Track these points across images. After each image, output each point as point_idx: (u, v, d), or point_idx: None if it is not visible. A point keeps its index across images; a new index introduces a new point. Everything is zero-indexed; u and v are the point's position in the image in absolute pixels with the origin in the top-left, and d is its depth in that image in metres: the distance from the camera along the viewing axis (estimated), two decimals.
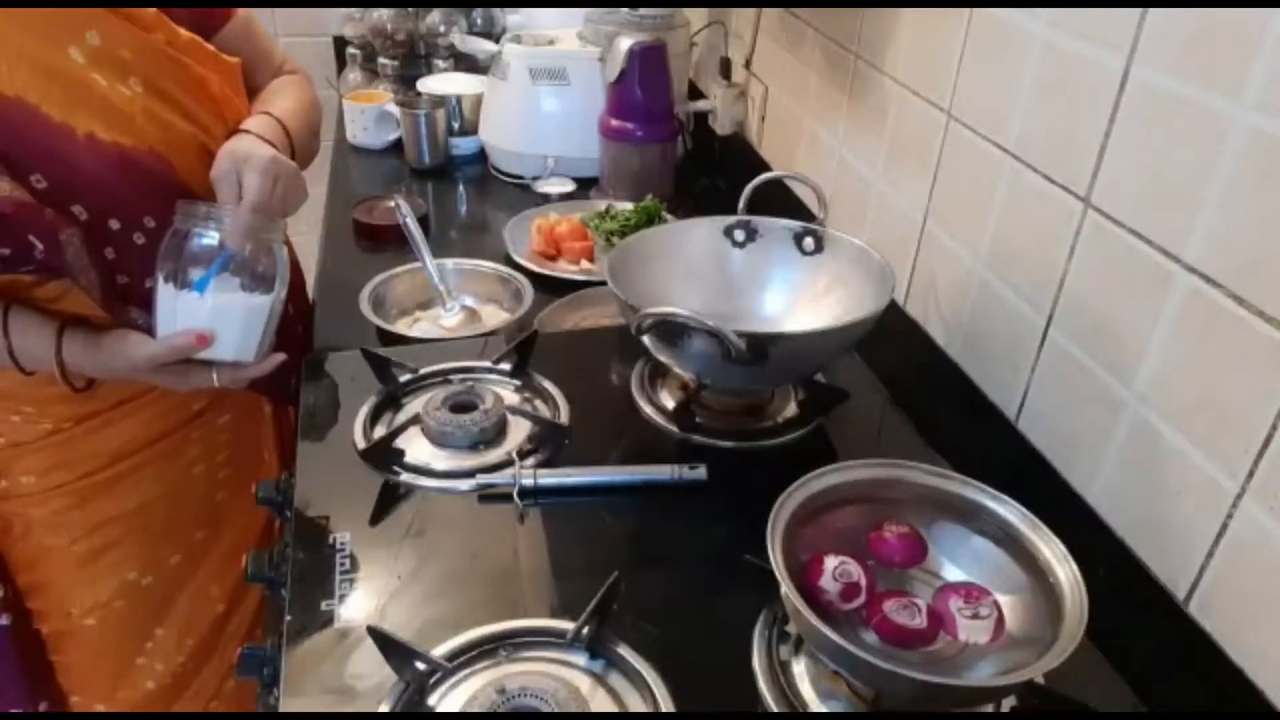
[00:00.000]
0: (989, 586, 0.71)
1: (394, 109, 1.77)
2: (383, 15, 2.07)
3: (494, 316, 1.27)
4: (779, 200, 1.38)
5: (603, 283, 1.02)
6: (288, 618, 0.76)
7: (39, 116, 0.82)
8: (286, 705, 0.70)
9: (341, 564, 0.81)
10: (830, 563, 0.70)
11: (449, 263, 1.32)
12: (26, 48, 0.82)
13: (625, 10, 1.65)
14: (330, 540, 0.84)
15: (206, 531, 1.13)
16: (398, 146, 1.78)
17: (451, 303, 1.26)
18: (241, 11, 1.05)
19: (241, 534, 1.16)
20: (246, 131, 0.94)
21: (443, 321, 1.24)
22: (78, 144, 0.84)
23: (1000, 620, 0.69)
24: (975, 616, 0.68)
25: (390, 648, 0.68)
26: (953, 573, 0.74)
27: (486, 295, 1.31)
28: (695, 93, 1.88)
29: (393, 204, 1.29)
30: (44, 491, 1.01)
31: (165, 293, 0.89)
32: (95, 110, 0.85)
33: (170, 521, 1.09)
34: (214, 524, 1.13)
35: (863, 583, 0.70)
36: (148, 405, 1.03)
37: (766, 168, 1.55)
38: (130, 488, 1.05)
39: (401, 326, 1.22)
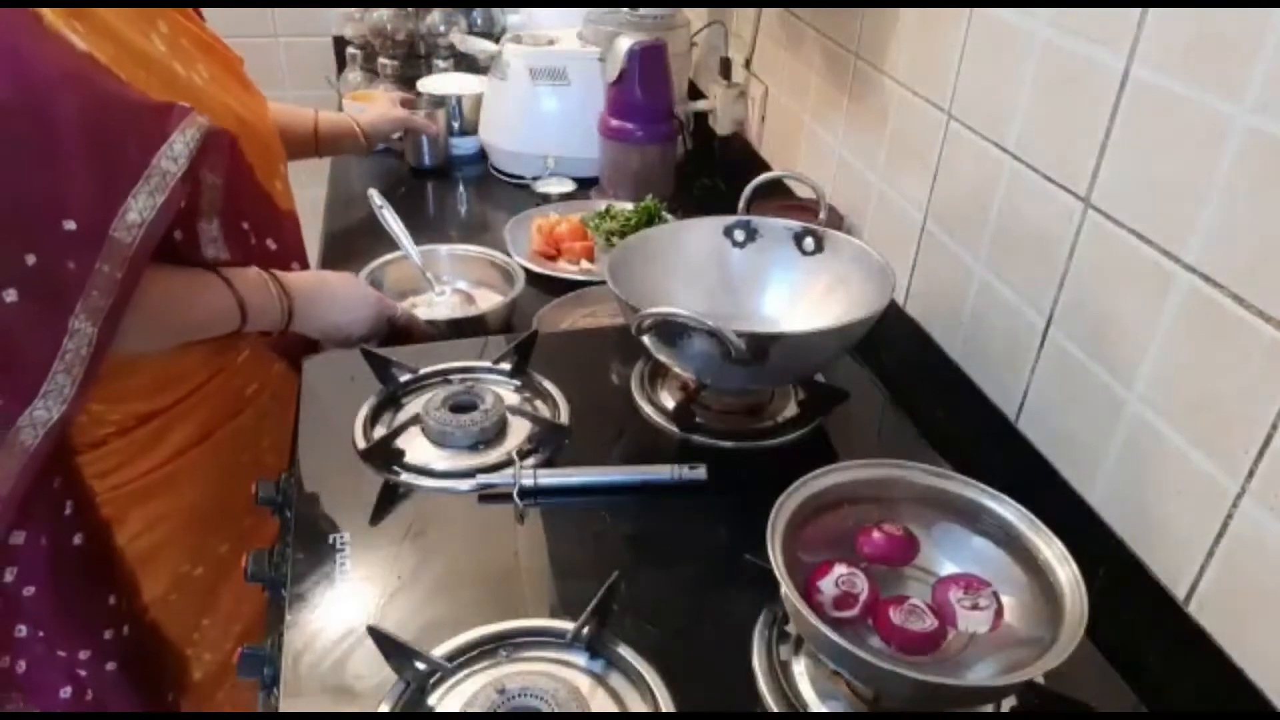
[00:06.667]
0: None
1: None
2: (383, 15, 2.07)
3: (487, 300, 1.28)
4: (779, 200, 1.38)
5: (603, 283, 1.02)
6: (288, 618, 0.76)
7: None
8: (286, 705, 0.70)
9: (341, 564, 0.81)
10: (838, 569, 0.70)
11: (443, 249, 1.34)
12: (125, 36, 0.84)
13: (625, 10, 1.65)
14: (330, 540, 0.84)
15: (253, 519, 1.13)
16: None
17: (441, 287, 1.28)
18: None
19: None
20: None
21: (437, 305, 1.25)
22: None
23: (1000, 611, 0.69)
24: (975, 607, 0.68)
25: (390, 648, 0.68)
26: (951, 571, 0.74)
27: (479, 279, 1.33)
28: (695, 93, 1.88)
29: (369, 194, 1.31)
30: (104, 493, 0.99)
31: None
32: (186, 99, 0.87)
33: (221, 512, 1.09)
34: (259, 511, 1.14)
35: (862, 597, 0.69)
36: (206, 399, 1.04)
37: (766, 168, 1.55)
38: (187, 483, 1.05)
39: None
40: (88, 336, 0.82)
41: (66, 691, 1.00)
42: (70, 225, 0.79)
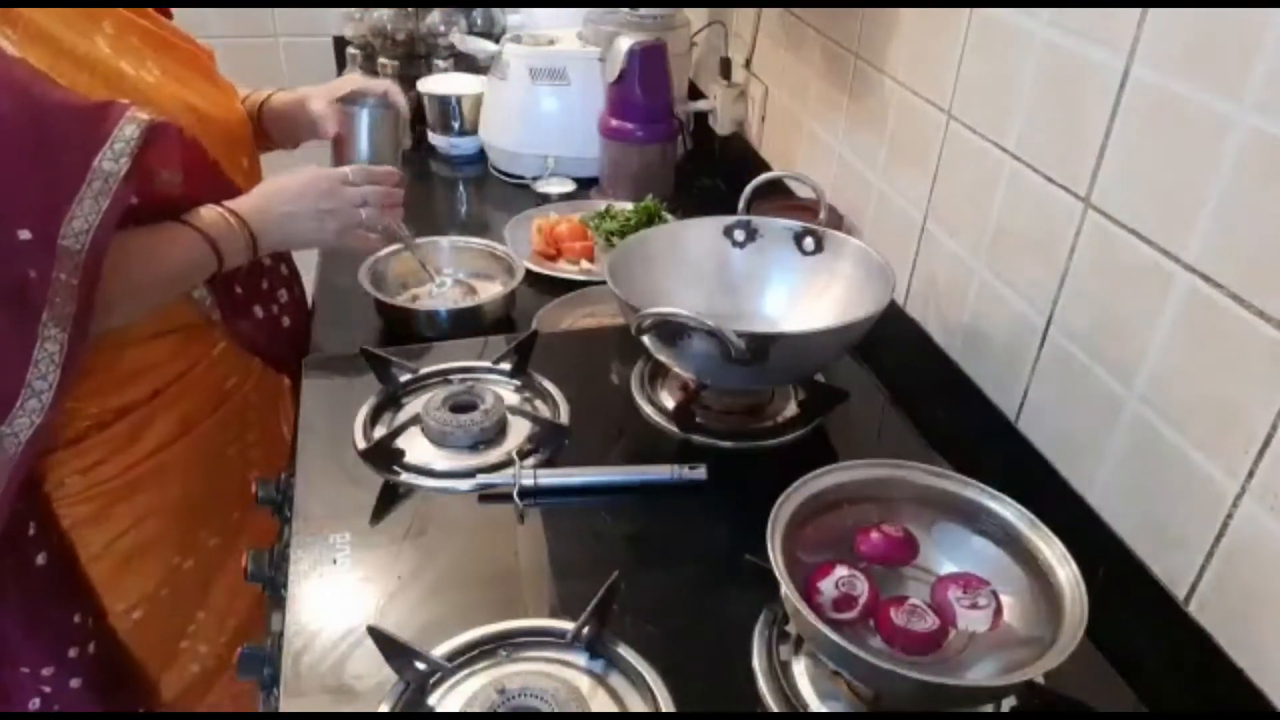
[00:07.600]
0: None
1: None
2: (383, 15, 2.06)
3: (487, 290, 1.30)
4: (779, 200, 1.38)
5: (603, 283, 1.02)
6: (288, 618, 0.76)
7: None
8: (286, 705, 0.70)
9: (341, 564, 0.81)
10: (838, 571, 0.70)
11: (444, 240, 1.35)
12: (64, 40, 0.83)
13: (625, 10, 1.65)
14: (330, 540, 0.84)
15: (241, 512, 1.13)
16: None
17: (442, 278, 1.29)
18: None
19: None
20: None
21: (438, 295, 1.27)
22: None
23: (999, 610, 0.69)
24: (974, 606, 0.68)
25: (390, 648, 0.68)
26: (950, 571, 0.74)
27: (479, 270, 1.34)
28: (695, 93, 1.88)
29: None
30: (88, 489, 0.99)
31: None
32: (133, 98, 0.86)
33: (208, 505, 1.09)
34: (248, 504, 1.13)
35: (862, 600, 0.69)
36: (184, 392, 1.03)
37: (766, 168, 1.55)
38: (172, 477, 1.05)
39: (401, 301, 1.24)
40: (60, 342, 0.82)
41: (35, 703, 1.00)
42: (25, 235, 0.78)
